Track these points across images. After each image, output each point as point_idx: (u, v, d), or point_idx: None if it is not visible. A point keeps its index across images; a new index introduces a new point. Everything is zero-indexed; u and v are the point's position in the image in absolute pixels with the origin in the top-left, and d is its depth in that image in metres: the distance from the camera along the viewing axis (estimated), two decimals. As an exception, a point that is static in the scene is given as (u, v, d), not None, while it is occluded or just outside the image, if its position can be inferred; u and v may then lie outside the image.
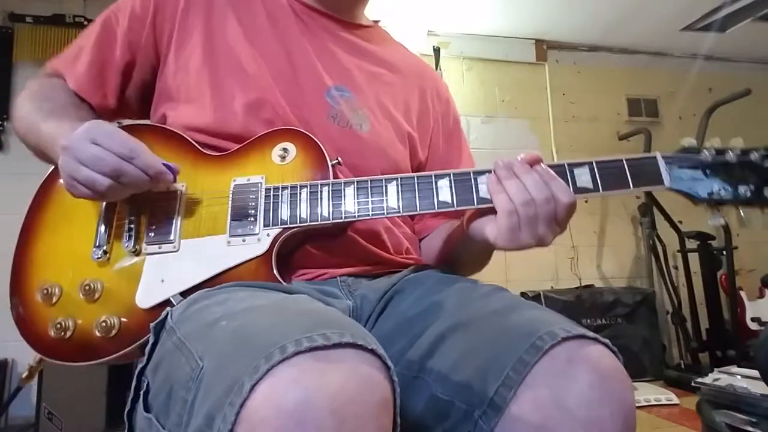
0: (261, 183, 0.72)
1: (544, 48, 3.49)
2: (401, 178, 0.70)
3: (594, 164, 0.68)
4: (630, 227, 3.46)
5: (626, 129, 3.44)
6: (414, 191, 0.69)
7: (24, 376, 0.78)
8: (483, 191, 0.67)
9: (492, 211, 0.65)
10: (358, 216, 0.69)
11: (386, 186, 0.69)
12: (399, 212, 0.69)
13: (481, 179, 0.68)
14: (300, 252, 0.74)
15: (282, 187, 0.71)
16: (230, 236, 0.70)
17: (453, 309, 0.65)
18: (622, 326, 2.95)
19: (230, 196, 0.72)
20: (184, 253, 0.70)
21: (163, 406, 0.52)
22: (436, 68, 3.01)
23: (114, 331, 0.68)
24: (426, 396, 0.58)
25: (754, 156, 0.67)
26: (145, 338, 0.66)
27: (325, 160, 0.73)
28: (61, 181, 0.68)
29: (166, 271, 0.69)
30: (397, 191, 0.69)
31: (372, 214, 0.69)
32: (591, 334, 0.55)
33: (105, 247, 0.72)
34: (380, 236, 0.80)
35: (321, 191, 0.70)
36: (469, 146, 1.00)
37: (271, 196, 0.71)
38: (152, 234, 0.71)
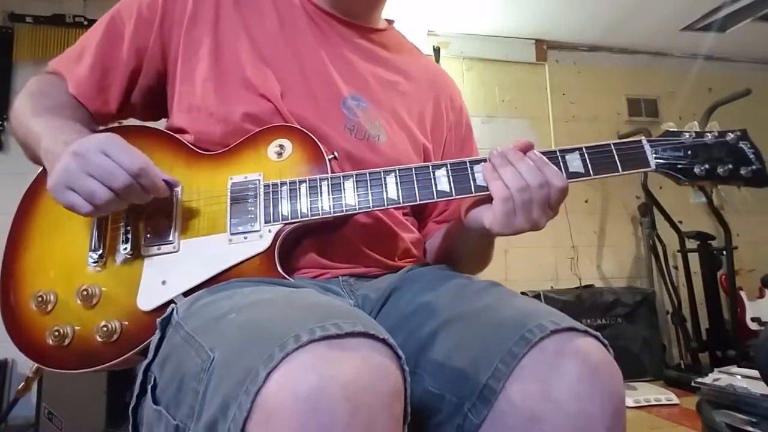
0: (259, 180, 0.72)
1: (544, 48, 3.49)
2: (399, 170, 0.70)
3: (584, 150, 0.70)
4: (630, 227, 3.46)
5: (626, 129, 3.45)
6: (413, 182, 0.70)
7: (20, 387, 0.78)
8: (479, 179, 0.69)
9: (488, 199, 0.67)
10: (359, 208, 0.69)
11: (385, 178, 0.70)
12: (399, 203, 0.69)
13: (477, 168, 0.69)
14: (302, 251, 0.74)
15: (281, 183, 0.71)
16: (231, 234, 0.69)
17: (447, 305, 0.65)
18: (622, 326, 2.95)
19: (228, 194, 0.71)
20: (184, 254, 0.69)
21: (173, 398, 0.52)
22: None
23: (116, 336, 0.67)
24: (420, 390, 0.58)
25: (729, 137, 0.72)
26: (147, 342, 0.66)
27: (322, 155, 0.73)
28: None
29: (166, 272, 0.69)
30: (396, 182, 0.70)
31: (372, 206, 0.69)
32: (581, 326, 0.55)
33: (101, 251, 0.70)
34: (386, 241, 0.80)
35: (320, 185, 0.70)
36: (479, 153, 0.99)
37: (270, 193, 0.71)
38: (150, 236, 0.70)
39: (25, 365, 2.43)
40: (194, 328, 0.55)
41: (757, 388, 1.67)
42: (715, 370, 1.98)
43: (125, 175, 0.63)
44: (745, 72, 3.74)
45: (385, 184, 0.70)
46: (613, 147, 0.70)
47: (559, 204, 0.66)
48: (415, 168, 0.70)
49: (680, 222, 3.10)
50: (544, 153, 0.68)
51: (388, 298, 0.73)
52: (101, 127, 0.82)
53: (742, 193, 0.72)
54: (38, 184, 0.77)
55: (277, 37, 0.81)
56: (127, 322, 0.68)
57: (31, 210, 0.75)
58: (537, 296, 2.86)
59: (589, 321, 2.86)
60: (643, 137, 0.72)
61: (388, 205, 0.69)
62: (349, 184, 0.70)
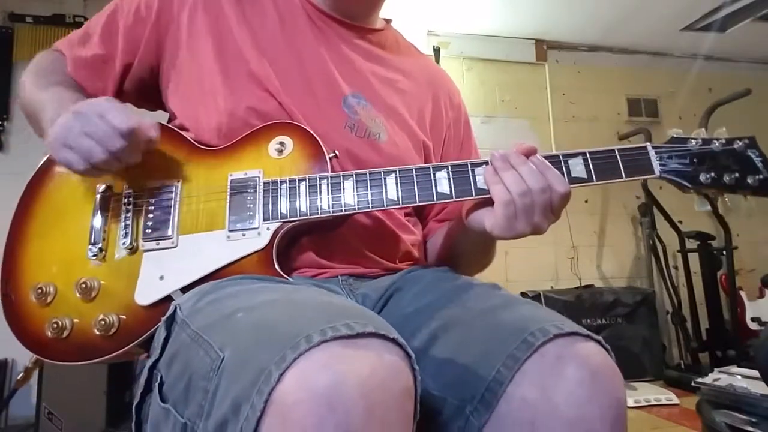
0: (258, 177, 0.72)
1: (544, 48, 3.49)
2: (400, 171, 0.70)
3: (588, 154, 0.70)
4: (630, 227, 3.46)
5: (626, 129, 3.45)
6: (413, 183, 0.70)
7: (20, 377, 0.78)
8: (480, 182, 0.69)
9: (490, 202, 0.66)
10: (358, 208, 0.69)
11: (385, 178, 0.70)
12: (398, 204, 0.69)
13: (479, 171, 0.69)
14: (300, 251, 0.74)
15: (280, 181, 0.71)
16: (230, 231, 0.69)
17: (447, 307, 0.65)
18: (622, 326, 2.95)
19: (228, 190, 0.71)
20: (182, 249, 0.70)
21: (182, 396, 0.52)
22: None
23: (113, 330, 0.67)
24: (420, 392, 0.58)
25: (737, 145, 0.71)
26: (146, 335, 0.66)
27: (322, 152, 0.72)
28: (49, 150, 0.68)
29: (165, 267, 0.69)
30: (396, 183, 0.70)
31: (372, 206, 0.69)
32: (583, 331, 0.55)
33: (100, 245, 0.71)
34: (386, 243, 0.80)
35: (320, 184, 0.70)
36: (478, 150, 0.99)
37: (270, 190, 0.71)
38: (149, 230, 0.70)
39: (25, 365, 2.43)
40: (202, 327, 0.55)
41: (757, 388, 1.67)
42: (715, 370, 1.98)
43: (119, 137, 0.64)
44: (745, 72, 3.74)
45: (385, 185, 0.70)
46: (617, 152, 0.70)
47: (562, 209, 0.66)
48: (415, 169, 0.70)
49: (680, 222, 3.10)
50: (546, 157, 0.67)
51: (389, 298, 0.73)
52: None
53: (748, 202, 0.71)
54: (39, 177, 0.77)
55: (277, 35, 0.81)
56: (124, 316, 0.68)
57: (32, 203, 0.76)
58: (537, 296, 2.86)
59: (589, 321, 2.86)
60: (649, 144, 0.71)
61: (387, 205, 0.69)
62: (348, 184, 0.70)
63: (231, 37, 0.80)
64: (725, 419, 1.70)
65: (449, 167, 0.70)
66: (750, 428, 1.62)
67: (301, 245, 0.74)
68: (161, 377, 0.57)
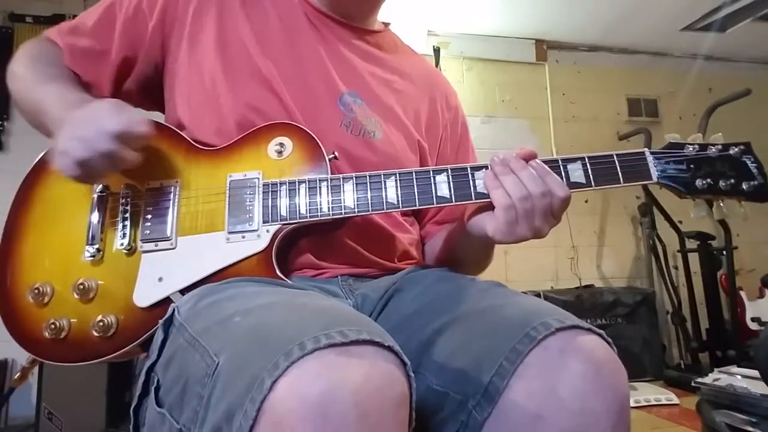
0: (258, 178, 0.71)
1: (544, 48, 3.49)
2: (399, 173, 0.70)
3: (586, 159, 0.70)
4: (630, 227, 3.46)
5: (626, 129, 3.45)
6: (413, 186, 0.69)
7: (16, 377, 0.78)
8: (480, 186, 0.68)
9: (490, 206, 0.66)
10: (358, 211, 0.69)
11: (385, 181, 0.70)
12: (398, 207, 0.69)
13: (478, 174, 0.69)
14: (299, 252, 0.74)
15: (280, 183, 0.71)
16: (229, 233, 0.69)
17: (450, 304, 0.65)
18: (622, 326, 2.95)
19: (227, 192, 0.71)
20: (181, 251, 0.69)
21: (177, 401, 0.52)
22: (436, 68, 3.01)
23: (112, 331, 0.67)
24: (422, 389, 0.58)
25: (733, 151, 0.71)
26: (145, 336, 0.66)
27: (322, 154, 0.72)
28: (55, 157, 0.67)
29: (163, 268, 0.68)
30: (396, 186, 0.69)
31: (371, 209, 0.69)
32: (585, 324, 0.55)
33: (98, 245, 0.70)
34: (383, 243, 0.80)
35: (320, 186, 0.70)
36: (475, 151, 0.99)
37: (269, 192, 0.70)
38: (147, 231, 0.70)
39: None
40: (198, 331, 0.55)
41: (757, 388, 1.67)
42: (715, 370, 1.98)
43: (107, 138, 0.63)
44: (745, 72, 3.74)
45: (385, 188, 0.69)
46: (615, 158, 0.70)
47: (562, 213, 0.66)
48: (415, 172, 0.70)
49: (680, 222, 3.10)
50: (545, 162, 0.67)
51: (389, 299, 0.73)
52: None
53: (743, 207, 0.71)
54: (34, 175, 0.76)
55: (278, 33, 0.82)
56: (123, 318, 0.68)
57: (27, 202, 0.75)
58: (537, 296, 2.85)
59: (589, 321, 2.77)
60: (647, 149, 0.72)
61: (387, 208, 0.69)
62: (348, 186, 0.70)
63: (234, 34, 0.80)
64: (725, 419, 1.70)
65: (449, 171, 0.70)
66: (750, 428, 1.62)
67: (299, 247, 0.74)
68: (158, 380, 0.57)
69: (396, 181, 0.70)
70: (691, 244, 3.09)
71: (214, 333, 0.53)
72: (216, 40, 0.79)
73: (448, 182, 0.69)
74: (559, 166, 0.69)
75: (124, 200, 0.72)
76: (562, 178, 0.67)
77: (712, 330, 2.95)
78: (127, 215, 0.71)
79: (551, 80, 3.47)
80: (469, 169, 0.70)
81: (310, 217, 0.69)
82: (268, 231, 0.69)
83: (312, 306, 0.56)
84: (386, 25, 0.96)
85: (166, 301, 0.66)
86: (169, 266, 0.69)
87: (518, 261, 3.14)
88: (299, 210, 0.69)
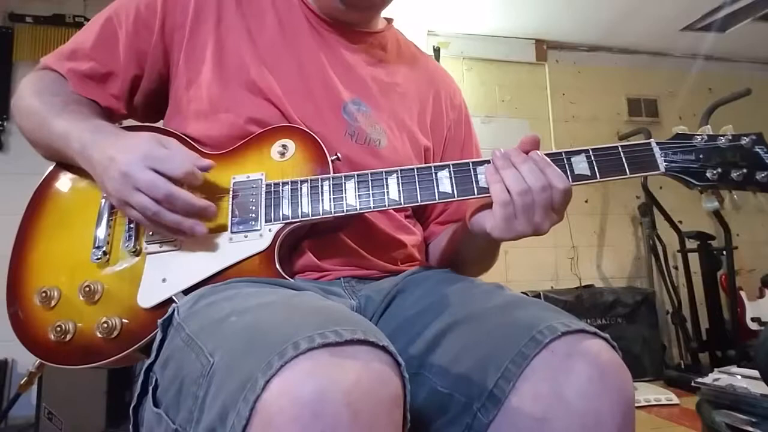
0: (261, 180, 0.72)
1: (544, 48, 3.49)
2: (401, 171, 0.70)
3: (591, 152, 0.69)
4: (630, 227, 3.46)
5: (626, 129, 3.45)
6: (414, 183, 0.69)
7: (23, 381, 0.78)
8: (483, 181, 0.68)
9: (492, 203, 0.66)
10: (360, 209, 0.69)
11: (387, 179, 0.70)
12: (400, 204, 0.69)
13: (480, 170, 0.69)
14: (303, 254, 0.74)
15: (282, 183, 0.71)
16: (232, 233, 0.69)
17: (454, 306, 0.65)
18: (622, 326, 2.95)
19: (230, 193, 0.71)
20: (185, 251, 0.70)
21: (173, 401, 0.52)
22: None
23: (116, 332, 0.67)
24: (426, 390, 0.58)
25: (744, 141, 0.69)
26: (147, 339, 0.66)
27: (324, 155, 0.73)
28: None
29: (167, 269, 0.69)
30: (398, 183, 0.69)
31: (374, 207, 0.69)
32: (591, 328, 0.55)
33: (104, 248, 0.71)
34: (386, 246, 0.80)
35: (322, 186, 0.70)
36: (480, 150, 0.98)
37: (272, 192, 0.71)
38: (152, 233, 0.70)
39: (26, 365, 2.42)
40: (195, 331, 0.55)
41: (757, 388, 1.67)
42: (715, 370, 1.98)
43: (167, 184, 0.64)
44: (745, 72, 3.74)
45: (387, 185, 0.69)
46: (620, 149, 0.69)
47: (564, 208, 0.65)
48: (417, 169, 0.70)
49: (680, 222, 3.11)
50: (549, 155, 0.67)
51: (392, 300, 0.73)
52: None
53: (757, 198, 0.70)
54: (46, 183, 0.78)
55: (277, 40, 0.81)
56: (127, 320, 0.68)
57: (39, 208, 0.76)
58: (537, 296, 2.86)
59: (589, 321, 2.84)
60: (653, 140, 0.70)
61: (389, 205, 0.69)
62: (350, 185, 0.70)
63: (231, 44, 0.79)
64: (725, 419, 1.70)
65: (451, 167, 0.70)
66: (750, 428, 1.62)
67: (303, 249, 0.74)
68: (156, 380, 0.57)
69: (398, 178, 0.70)
70: (691, 244, 3.09)
71: (210, 333, 0.53)
72: (214, 51, 0.78)
73: (451, 178, 0.69)
74: (562, 159, 0.68)
75: None
76: (566, 172, 0.67)
77: (712, 330, 2.95)
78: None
79: (551, 80, 3.47)
80: (471, 164, 0.69)
81: (313, 215, 0.69)
82: (270, 230, 0.69)
83: (308, 306, 0.56)
84: (389, 21, 0.94)
85: (169, 302, 0.66)
86: (173, 267, 0.69)
87: (518, 261, 3.14)
88: (301, 209, 0.69)
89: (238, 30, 0.80)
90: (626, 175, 0.68)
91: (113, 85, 0.80)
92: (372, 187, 0.70)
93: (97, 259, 0.71)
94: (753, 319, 2.96)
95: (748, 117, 3.11)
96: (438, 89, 0.93)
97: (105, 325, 0.67)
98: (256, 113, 0.75)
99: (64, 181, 0.78)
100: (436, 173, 0.69)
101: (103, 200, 0.74)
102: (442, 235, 0.89)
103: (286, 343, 0.43)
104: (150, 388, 0.57)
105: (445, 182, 0.69)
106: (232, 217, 0.70)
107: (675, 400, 2.47)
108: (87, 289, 0.69)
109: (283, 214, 0.69)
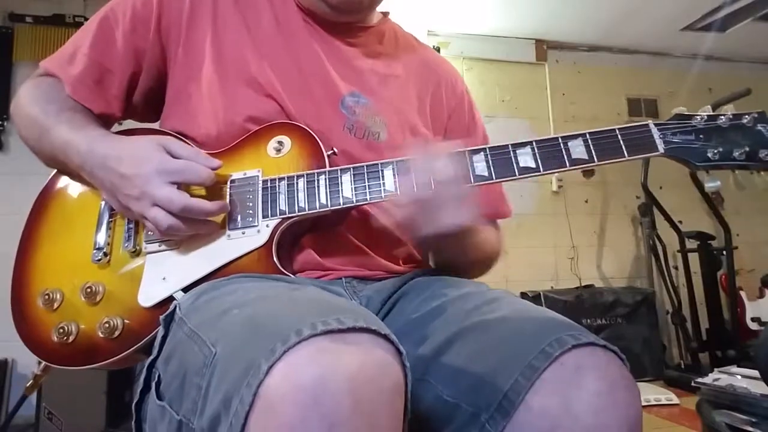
0: (258, 176, 0.72)
1: (544, 48, 3.49)
2: (397, 162, 0.70)
3: (588, 136, 0.68)
4: (630, 227, 3.46)
5: (626, 129, 3.44)
6: (411, 173, 0.68)
7: (28, 384, 0.78)
8: (479, 169, 0.68)
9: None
10: (356, 201, 0.69)
11: (383, 171, 0.70)
12: (397, 194, 0.68)
13: (477, 158, 0.68)
14: (303, 253, 0.74)
15: (279, 179, 0.71)
16: (230, 230, 0.69)
17: (460, 314, 0.65)
18: (622, 326, 2.95)
19: (228, 191, 0.72)
20: (184, 250, 0.70)
21: (177, 393, 0.52)
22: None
23: (117, 332, 0.67)
24: (431, 398, 0.58)
25: (746, 119, 0.67)
26: (148, 338, 0.66)
27: (320, 150, 0.73)
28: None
29: (167, 268, 0.69)
30: (394, 175, 0.69)
31: (370, 199, 0.69)
32: (601, 341, 0.55)
33: (105, 249, 0.72)
34: (388, 245, 0.80)
35: (318, 180, 0.70)
36: (488, 135, 0.96)
37: (269, 188, 0.71)
38: (151, 233, 0.70)
39: (26, 366, 2.43)
40: (197, 324, 0.55)
41: (757, 388, 1.67)
42: (715, 370, 1.98)
43: (182, 197, 0.65)
44: (745, 72, 3.74)
45: (383, 177, 0.69)
46: (618, 132, 0.68)
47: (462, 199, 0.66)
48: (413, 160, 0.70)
49: (680, 222, 3.10)
50: (545, 140, 0.67)
51: (395, 303, 0.73)
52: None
53: (762, 177, 0.68)
54: (49, 187, 0.79)
55: (274, 35, 0.80)
56: (128, 320, 0.68)
57: (42, 211, 0.77)
58: (537, 296, 2.86)
59: (589, 321, 2.86)
60: (651, 121, 0.69)
61: (385, 197, 0.69)
62: (346, 178, 0.70)
63: (229, 40, 0.79)
64: (725, 419, 1.70)
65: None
66: (750, 428, 1.62)
67: (303, 247, 0.74)
68: (159, 375, 0.57)
69: (393, 169, 0.69)
70: (691, 244, 3.09)
71: (212, 325, 0.53)
72: (212, 47, 0.78)
73: None
74: (559, 143, 0.68)
75: None
76: (563, 156, 0.67)
77: (712, 330, 2.95)
78: (132, 219, 0.72)
79: (551, 80, 3.48)
80: (467, 152, 0.69)
81: (309, 209, 0.69)
82: (268, 226, 0.69)
83: (309, 297, 0.56)
84: (385, 15, 0.93)
85: (170, 300, 0.66)
86: (172, 266, 0.69)
87: (518, 261, 3.14)
88: (298, 203, 0.69)
89: (236, 25, 0.79)
90: (624, 157, 0.67)
91: (111, 85, 0.79)
92: (368, 179, 0.69)
93: (98, 260, 0.71)
94: (753, 319, 2.97)
95: (748, 117, 3.12)
96: (438, 79, 0.92)
97: (107, 325, 0.67)
98: (256, 109, 0.75)
99: (65, 186, 0.79)
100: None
101: (103, 202, 0.74)
102: None
103: (290, 330, 0.44)
104: (153, 384, 0.57)
105: None
106: (229, 214, 0.70)
107: (675, 400, 2.47)
108: (88, 290, 0.70)
109: (280, 210, 0.69)
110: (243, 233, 0.69)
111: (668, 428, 2.17)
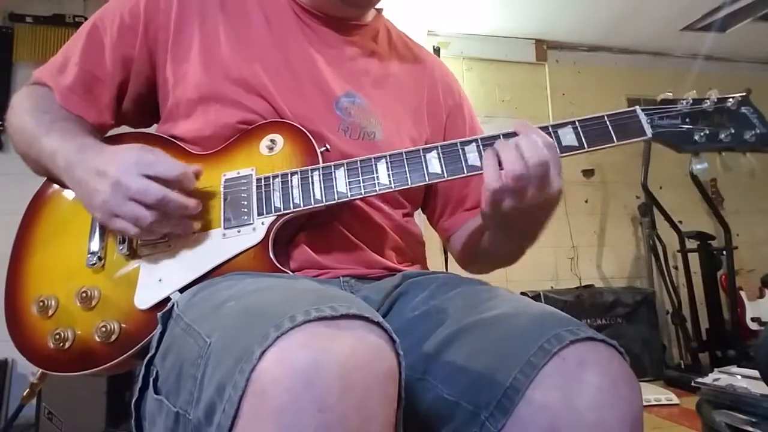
0: (251, 174, 0.72)
1: (544, 48, 3.49)
2: (390, 155, 0.70)
3: (577, 123, 0.69)
4: (630, 227, 3.46)
5: (626, 129, 3.44)
6: (404, 166, 0.70)
7: (25, 393, 0.78)
8: (471, 159, 0.68)
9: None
10: (351, 195, 0.69)
11: (376, 164, 0.70)
12: (391, 187, 0.69)
13: (468, 148, 0.69)
14: (300, 252, 0.74)
15: (273, 176, 0.71)
16: (225, 229, 0.69)
17: (459, 312, 0.65)
18: (622, 326, 2.95)
19: (222, 190, 0.72)
20: (179, 250, 0.70)
21: (174, 386, 0.52)
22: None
23: (114, 336, 0.67)
24: (431, 397, 0.58)
25: (730, 102, 0.70)
26: (145, 342, 0.66)
27: (313, 147, 0.73)
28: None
29: (162, 270, 0.69)
30: (387, 168, 0.70)
31: (365, 193, 0.69)
32: (600, 336, 0.55)
33: (99, 253, 0.71)
34: (385, 243, 0.80)
35: (312, 176, 0.70)
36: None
37: (263, 186, 0.71)
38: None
39: (26, 366, 2.42)
40: (193, 318, 0.55)
41: (757, 388, 1.66)
42: (715, 370, 1.97)
43: (159, 188, 0.64)
44: (745, 72, 3.74)
45: (377, 170, 0.70)
46: (606, 118, 0.70)
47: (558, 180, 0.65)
48: (406, 152, 0.70)
49: (680, 222, 3.10)
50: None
51: (393, 302, 0.73)
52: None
53: (748, 159, 0.69)
54: (43, 191, 0.78)
55: (265, 38, 0.80)
56: (125, 323, 0.68)
57: (34, 217, 0.77)
58: (537, 296, 2.86)
59: (589, 321, 2.86)
60: (638, 107, 0.70)
61: (380, 190, 0.69)
62: (340, 173, 0.70)
63: (218, 43, 0.78)
64: (725, 419, 1.70)
65: (439, 147, 0.70)
66: (750, 428, 1.62)
67: (300, 245, 0.74)
68: (157, 372, 0.58)
69: (387, 163, 0.70)
70: (691, 244, 3.09)
71: (208, 318, 0.53)
72: (200, 51, 0.77)
73: (439, 158, 0.69)
74: (549, 131, 0.68)
75: None
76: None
77: (712, 330, 2.95)
78: None
79: (551, 80, 3.48)
80: (458, 143, 0.70)
81: (304, 205, 0.69)
82: (263, 223, 0.69)
83: (304, 287, 0.57)
84: (379, 11, 0.93)
85: (166, 301, 0.66)
86: (169, 267, 0.69)
87: (518, 261, 3.13)
88: (293, 200, 0.69)
89: (224, 29, 0.79)
90: (614, 143, 0.69)
91: (102, 94, 0.79)
92: (362, 173, 0.70)
93: (92, 264, 0.71)
94: (753, 319, 2.96)
95: (748, 117, 3.12)
96: (434, 79, 0.92)
97: (103, 329, 0.67)
98: (247, 111, 0.75)
99: (58, 191, 0.78)
100: (424, 155, 0.70)
101: None
102: (463, 227, 0.89)
103: (283, 317, 0.44)
104: (151, 380, 0.57)
105: (434, 163, 0.69)
106: (224, 213, 0.70)
107: (675, 400, 2.47)
108: (84, 295, 0.69)
109: (275, 207, 0.69)
110: (239, 231, 0.69)
111: (668, 428, 2.17)
